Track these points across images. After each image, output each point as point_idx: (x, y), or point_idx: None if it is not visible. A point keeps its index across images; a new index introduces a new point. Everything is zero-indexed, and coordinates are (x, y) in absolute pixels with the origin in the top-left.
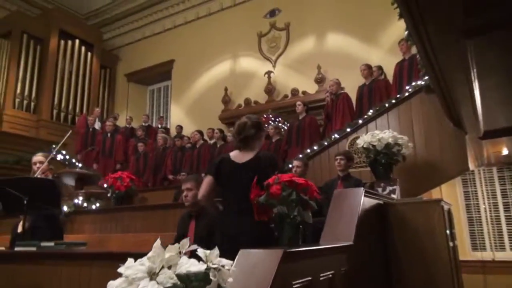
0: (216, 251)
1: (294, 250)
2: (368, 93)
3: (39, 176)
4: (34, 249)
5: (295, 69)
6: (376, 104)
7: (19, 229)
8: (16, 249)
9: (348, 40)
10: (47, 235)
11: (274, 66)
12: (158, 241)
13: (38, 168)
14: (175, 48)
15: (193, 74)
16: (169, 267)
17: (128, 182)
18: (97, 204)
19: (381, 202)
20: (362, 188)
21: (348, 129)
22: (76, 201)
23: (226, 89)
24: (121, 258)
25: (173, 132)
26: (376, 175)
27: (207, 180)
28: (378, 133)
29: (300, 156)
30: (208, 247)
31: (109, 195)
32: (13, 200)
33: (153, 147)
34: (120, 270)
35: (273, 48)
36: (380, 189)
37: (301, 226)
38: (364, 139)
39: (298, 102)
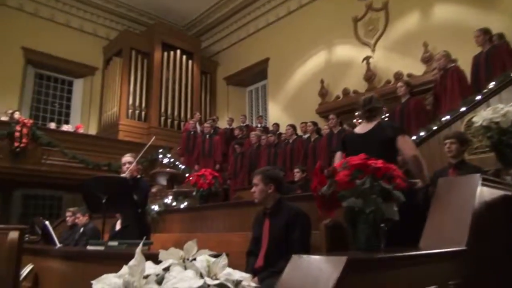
0: (223, 260)
1: (364, 257)
2: (485, 62)
3: (112, 175)
4: (102, 248)
5: (398, 50)
6: (497, 74)
7: (117, 227)
8: (88, 247)
9: (460, 8)
10: (136, 234)
11: (373, 51)
12: (139, 249)
13: (127, 168)
14: (268, 46)
15: (288, 70)
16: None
17: (211, 180)
18: (185, 203)
19: (509, 193)
20: (479, 174)
21: (463, 108)
22: (166, 200)
23: (322, 82)
24: None
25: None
26: (503, 160)
27: (337, 156)
28: (502, 107)
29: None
30: (286, 248)
31: (194, 193)
32: (95, 199)
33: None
34: (93, 284)
35: (371, 32)
36: (508, 178)
37: (382, 225)
38: (482, 115)
39: (400, 84)
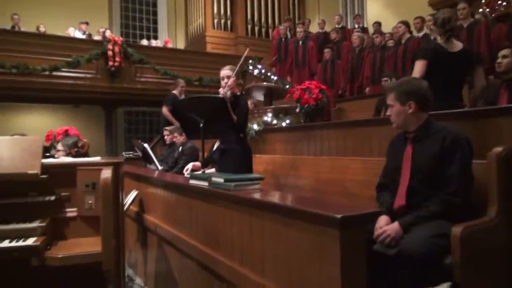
0: None
1: None
2: None
3: (214, 95)
4: (206, 184)
5: None
6: None
7: (215, 147)
8: (191, 182)
9: None
10: (237, 159)
11: None
12: None
13: (226, 83)
14: None
15: None
16: None
17: (317, 94)
18: (287, 121)
19: None
20: None
21: None
22: (265, 118)
23: None
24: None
25: (371, 31)
26: None
27: (421, 65)
28: None
29: None
30: (438, 184)
31: (297, 110)
32: (191, 123)
33: (349, 50)
34: None
35: None
36: None
37: None
38: None
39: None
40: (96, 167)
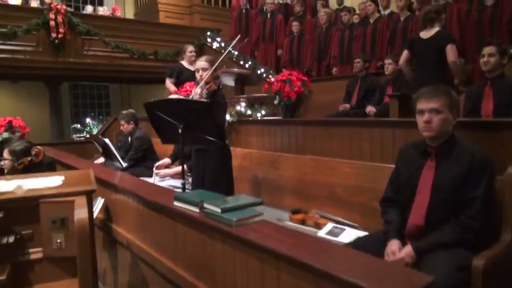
0: None
1: None
2: None
3: (194, 98)
4: (196, 211)
5: None
6: None
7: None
8: (176, 204)
9: None
10: (216, 159)
11: None
12: None
13: (201, 77)
14: None
15: None
16: None
17: (299, 86)
18: (262, 112)
19: None
20: None
21: None
22: (238, 107)
23: None
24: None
25: (333, 4)
26: None
27: (404, 55)
28: None
29: None
30: (457, 206)
31: (276, 102)
32: (166, 127)
33: (312, 25)
34: None
35: None
36: None
37: None
38: None
39: None
40: (65, 199)
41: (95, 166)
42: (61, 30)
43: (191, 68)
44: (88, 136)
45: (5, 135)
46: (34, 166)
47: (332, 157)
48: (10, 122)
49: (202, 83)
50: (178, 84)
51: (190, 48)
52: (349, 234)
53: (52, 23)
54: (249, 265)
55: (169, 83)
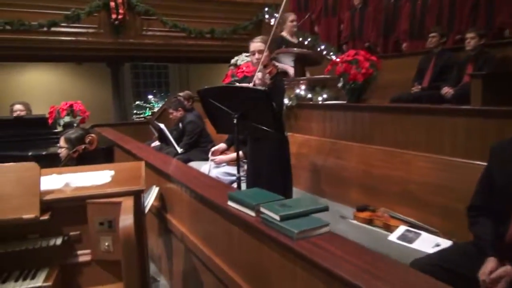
0: None
1: None
2: None
3: (256, 83)
4: (252, 214)
5: None
6: None
7: None
8: (231, 204)
9: None
10: (273, 149)
11: None
12: None
13: (258, 60)
14: None
15: None
16: None
17: (367, 68)
18: (324, 96)
19: None
20: None
21: None
22: (298, 91)
23: None
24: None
25: None
26: None
27: None
28: None
29: None
30: None
31: (339, 85)
32: (222, 116)
33: None
34: None
35: None
36: None
37: None
38: None
39: None
40: (111, 200)
41: (150, 152)
42: (120, 11)
43: (295, 40)
44: (149, 115)
45: (67, 119)
46: (88, 154)
47: (404, 150)
48: (71, 106)
49: (260, 66)
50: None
51: (291, 16)
52: (426, 240)
53: (112, 4)
54: (312, 286)
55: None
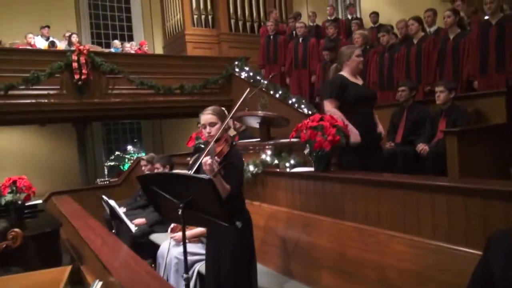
0: None
1: None
2: None
3: (196, 175)
4: None
5: None
6: None
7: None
8: None
9: None
10: (234, 233)
11: None
12: None
13: (210, 134)
14: None
15: None
16: None
17: (334, 135)
18: (292, 162)
19: None
20: None
21: None
22: (263, 156)
23: None
24: None
25: (367, 23)
26: None
27: None
28: None
29: None
30: None
31: (306, 151)
32: (168, 204)
33: None
34: None
35: None
36: None
37: None
38: None
39: None
40: None
41: (99, 234)
42: (84, 71)
43: (359, 81)
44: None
45: (9, 197)
46: (14, 251)
47: (379, 228)
48: (14, 182)
49: (211, 145)
50: (346, 106)
51: (357, 51)
52: None
53: (74, 64)
54: None
55: (331, 108)
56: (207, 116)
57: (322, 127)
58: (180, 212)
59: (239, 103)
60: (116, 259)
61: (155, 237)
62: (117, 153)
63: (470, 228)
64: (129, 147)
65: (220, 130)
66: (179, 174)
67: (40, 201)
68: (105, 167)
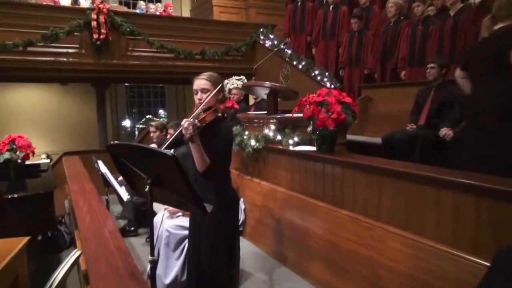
0: None
1: None
2: None
3: (160, 150)
4: None
5: None
6: None
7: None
8: None
9: None
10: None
11: None
12: None
13: (200, 100)
14: None
15: None
16: None
17: (339, 112)
18: (295, 139)
19: None
20: None
21: None
22: (266, 131)
23: None
24: None
25: None
26: None
27: None
28: None
29: None
30: None
31: (309, 129)
32: (138, 179)
33: (380, 18)
34: None
35: None
36: None
37: None
38: None
39: None
40: None
41: (94, 203)
42: (103, 30)
43: None
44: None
45: (7, 155)
46: None
47: (378, 221)
48: (13, 140)
49: (197, 110)
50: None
51: None
52: None
53: (93, 23)
54: None
55: (460, 73)
56: (201, 81)
57: (327, 103)
58: (147, 189)
59: (259, 63)
60: (92, 229)
61: (155, 206)
62: (148, 116)
63: (481, 233)
64: (160, 111)
65: (209, 98)
66: (144, 147)
67: (46, 161)
68: (136, 129)
